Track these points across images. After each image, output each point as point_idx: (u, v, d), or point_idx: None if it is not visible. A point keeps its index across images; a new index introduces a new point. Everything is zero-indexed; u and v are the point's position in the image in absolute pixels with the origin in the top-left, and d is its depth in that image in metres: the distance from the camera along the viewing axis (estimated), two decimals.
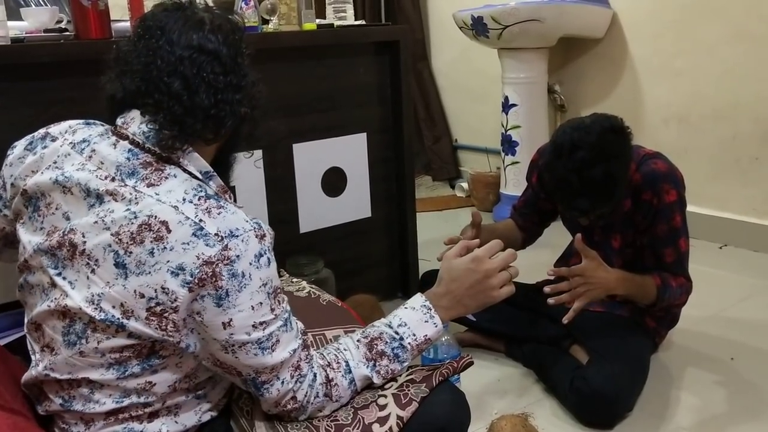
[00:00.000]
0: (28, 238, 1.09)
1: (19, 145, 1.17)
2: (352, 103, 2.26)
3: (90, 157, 1.06)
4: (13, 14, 1.95)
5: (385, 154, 2.35)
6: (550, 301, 1.66)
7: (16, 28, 1.85)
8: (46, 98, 1.69)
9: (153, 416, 1.08)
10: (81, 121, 1.17)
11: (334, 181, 2.25)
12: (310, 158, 2.19)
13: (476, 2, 3.24)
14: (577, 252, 1.72)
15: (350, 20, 2.45)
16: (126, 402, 1.05)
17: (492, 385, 1.91)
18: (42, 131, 1.17)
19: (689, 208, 1.79)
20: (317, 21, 2.24)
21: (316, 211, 2.23)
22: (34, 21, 1.90)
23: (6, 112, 1.64)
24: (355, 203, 2.31)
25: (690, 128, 2.99)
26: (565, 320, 1.66)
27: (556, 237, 2.13)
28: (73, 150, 1.08)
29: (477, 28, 3.13)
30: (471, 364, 1.24)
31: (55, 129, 1.16)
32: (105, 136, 1.09)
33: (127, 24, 1.83)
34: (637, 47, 3.14)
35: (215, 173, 1.11)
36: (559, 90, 3.43)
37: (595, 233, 1.89)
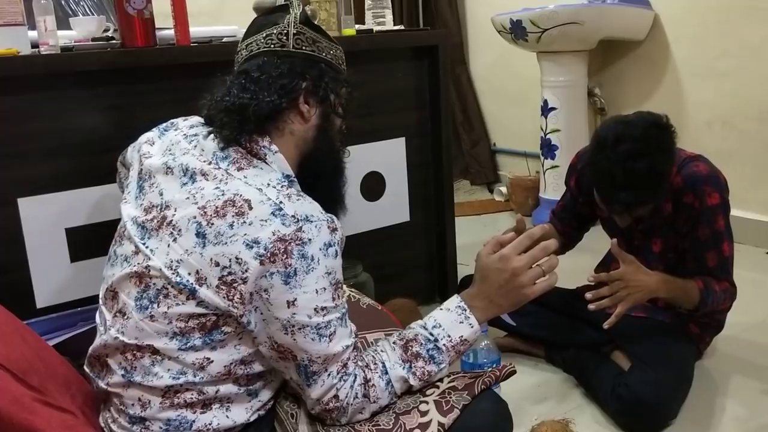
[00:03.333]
0: (128, 211, 1.20)
1: (156, 130, 1.32)
2: (390, 108, 2.26)
3: (195, 145, 1.20)
4: (62, 24, 2.00)
5: (424, 159, 2.36)
6: (591, 306, 1.64)
7: (65, 37, 1.90)
8: (93, 105, 1.72)
9: (206, 407, 1.13)
10: (201, 121, 1.27)
11: (372, 186, 2.26)
12: (349, 163, 2.19)
13: (515, 5, 3.23)
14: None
15: (389, 25, 2.46)
16: (182, 379, 1.10)
17: (532, 390, 1.90)
18: (177, 122, 1.32)
19: (734, 212, 1.76)
20: (356, 27, 2.26)
21: (354, 216, 2.22)
22: (82, 30, 1.95)
23: (53, 118, 1.68)
24: (394, 207, 2.32)
25: (734, 131, 2.94)
26: (606, 325, 1.65)
27: (597, 242, 2.11)
28: (184, 139, 1.22)
29: (516, 31, 3.12)
30: (513, 372, 1.23)
31: (182, 122, 1.31)
32: (210, 133, 1.20)
33: (171, 32, 1.86)
34: (679, 49, 3.09)
35: (296, 179, 1.18)
36: (599, 93, 3.39)
37: (635, 237, 1.87)
